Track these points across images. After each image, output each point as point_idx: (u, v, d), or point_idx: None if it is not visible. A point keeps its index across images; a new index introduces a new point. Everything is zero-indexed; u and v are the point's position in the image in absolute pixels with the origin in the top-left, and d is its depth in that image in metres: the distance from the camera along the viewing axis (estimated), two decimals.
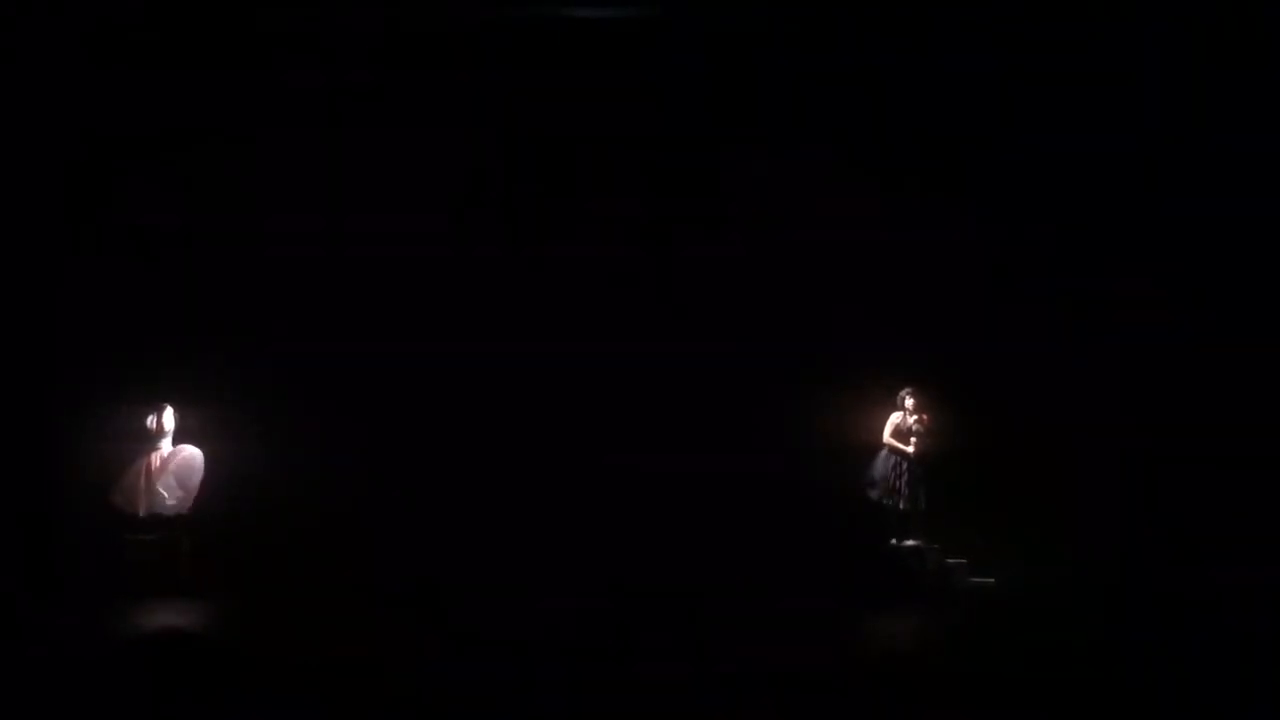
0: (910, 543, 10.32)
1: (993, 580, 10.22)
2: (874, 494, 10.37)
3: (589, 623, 8.15)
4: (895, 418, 10.38)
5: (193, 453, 9.69)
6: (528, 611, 8.43)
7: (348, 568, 9.86)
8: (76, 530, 9.26)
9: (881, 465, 10.39)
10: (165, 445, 9.71)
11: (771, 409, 10.32)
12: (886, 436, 10.38)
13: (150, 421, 9.67)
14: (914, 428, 10.32)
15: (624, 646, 7.49)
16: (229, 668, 4.89)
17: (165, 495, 9.59)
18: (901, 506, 10.33)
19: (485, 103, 9.65)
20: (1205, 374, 9.50)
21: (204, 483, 9.67)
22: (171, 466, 9.65)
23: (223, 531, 9.62)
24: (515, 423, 10.42)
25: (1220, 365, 9.45)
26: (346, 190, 10.34)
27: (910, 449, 10.32)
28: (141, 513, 9.59)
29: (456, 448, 10.29)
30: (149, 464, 9.64)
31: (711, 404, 10.45)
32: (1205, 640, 7.32)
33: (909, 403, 10.35)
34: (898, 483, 10.33)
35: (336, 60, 9.06)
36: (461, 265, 10.41)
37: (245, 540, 9.74)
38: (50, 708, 5.18)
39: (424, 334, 10.24)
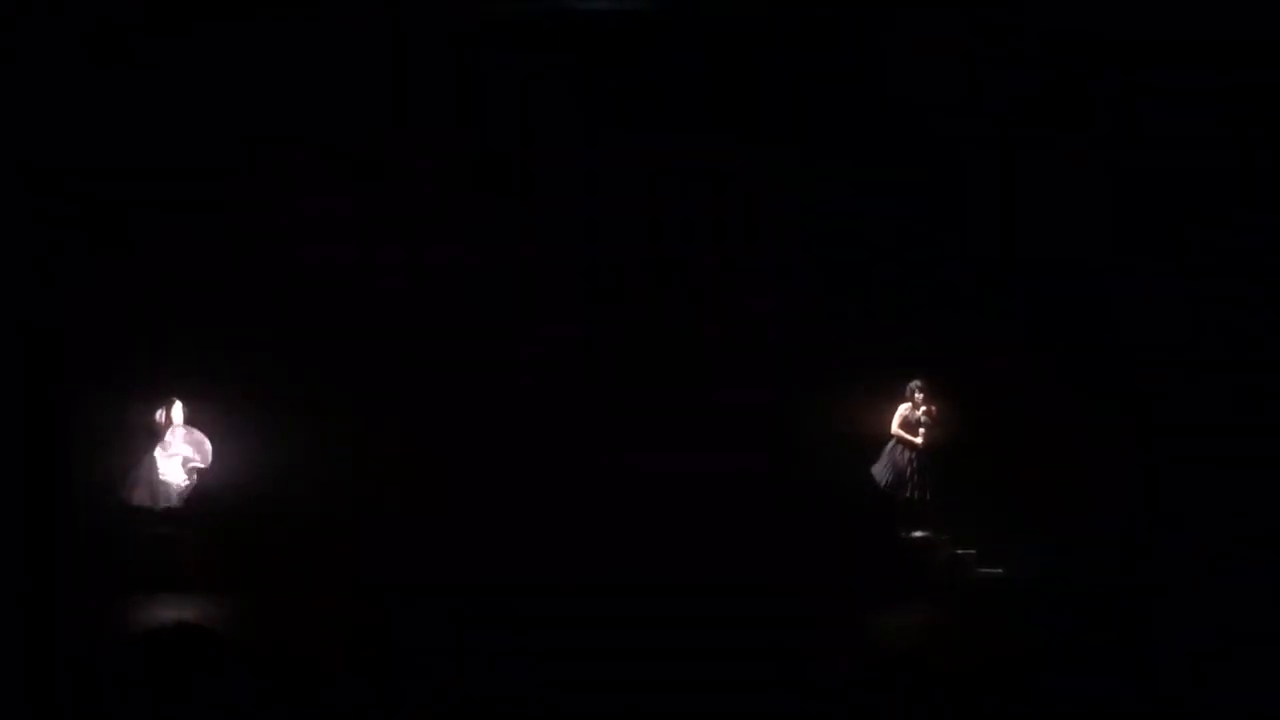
0: (919, 534, 10.32)
1: (1001, 571, 10.23)
2: (883, 486, 10.38)
3: (595, 623, 8.15)
4: (904, 409, 10.40)
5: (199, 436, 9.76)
6: (531, 611, 8.43)
7: (354, 564, 9.93)
8: (84, 525, 9.25)
9: (889, 457, 10.39)
10: (172, 438, 9.75)
11: (780, 403, 10.29)
12: (895, 428, 10.39)
13: (159, 415, 9.71)
14: (922, 419, 10.33)
15: (631, 647, 7.48)
16: (236, 663, 4.88)
17: (174, 478, 9.64)
18: (910, 497, 10.34)
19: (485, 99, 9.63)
20: (1212, 371, 9.44)
21: (212, 468, 9.73)
22: (183, 442, 9.70)
23: (230, 526, 9.63)
24: (521, 420, 10.42)
25: (1225, 362, 9.39)
26: (351, 188, 10.35)
27: (919, 440, 10.32)
28: (150, 506, 9.63)
29: (462, 444, 10.30)
30: (157, 458, 9.67)
31: (716, 400, 10.43)
32: (1207, 639, 7.28)
33: (917, 395, 10.36)
34: (906, 474, 10.34)
35: (333, 59, 9.07)
36: (462, 263, 10.40)
37: (253, 535, 9.75)
38: (57, 703, 5.18)
39: (427, 332, 10.25)
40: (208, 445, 9.72)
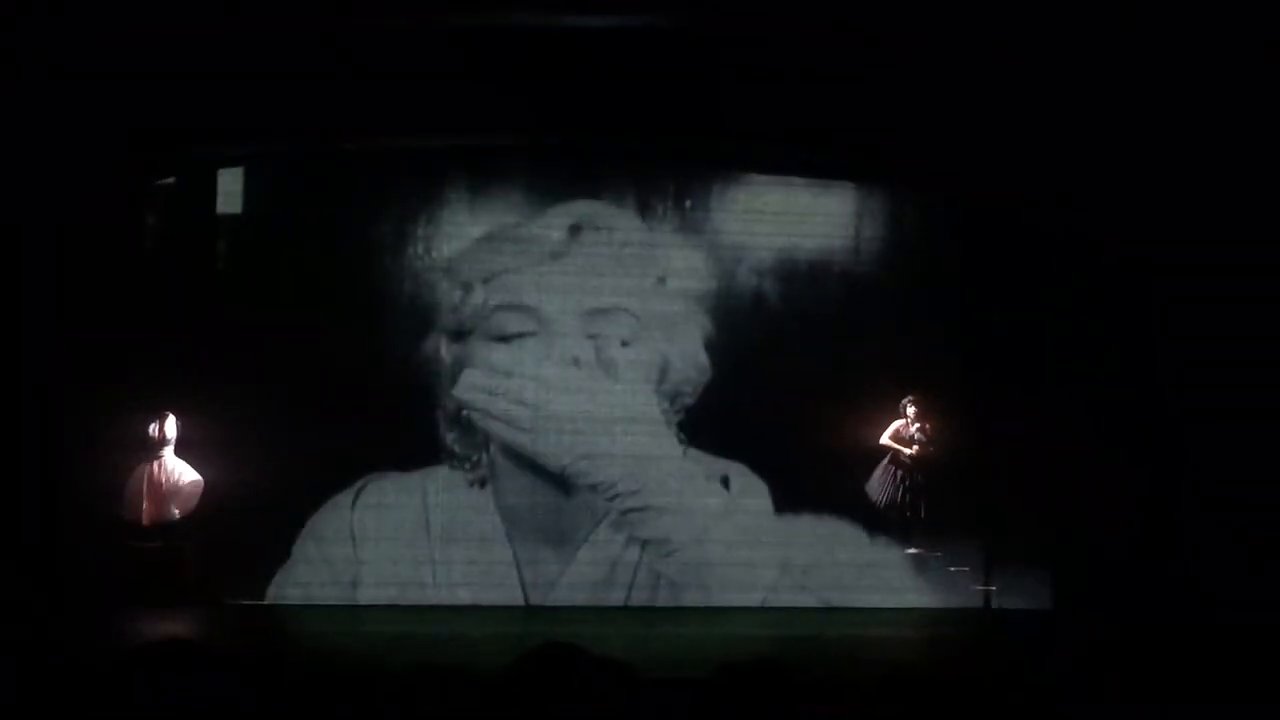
0: (911, 551, 10.33)
1: (994, 588, 10.25)
2: (876, 501, 10.38)
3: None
4: (897, 424, 10.38)
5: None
6: None
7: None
8: (79, 539, 9.22)
9: (882, 473, 10.39)
10: (167, 454, 9.71)
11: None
12: (885, 438, 10.35)
13: (152, 430, 9.67)
14: (915, 435, 10.33)
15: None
16: (229, 678, 4.85)
17: (165, 496, 9.61)
18: (903, 514, 10.34)
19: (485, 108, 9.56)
20: (1216, 383, 9.35)
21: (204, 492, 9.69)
22: (178, 485, 9.67)
23: (225, 539, 9.59)
24: None
25: (1227, 371, 9.31)
26: (347, 196, 10.32)
27: (907, 450, 10.30)
28: (144, 521, 9.59)
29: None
30: (151, 472, 9.63)
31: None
32: (1208, 661, 7.23)
33: (910, 410, 10.36)
34: (899, 490, 10.34)
35: (335, 66, 8.99)
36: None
37: (247, 548, 9.71)
38: (52, 716, 5.14)
39: (409, 339, 10.21)
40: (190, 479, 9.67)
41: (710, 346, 10.37)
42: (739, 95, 9.06)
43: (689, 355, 10.34)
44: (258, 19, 8.25)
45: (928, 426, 10.32)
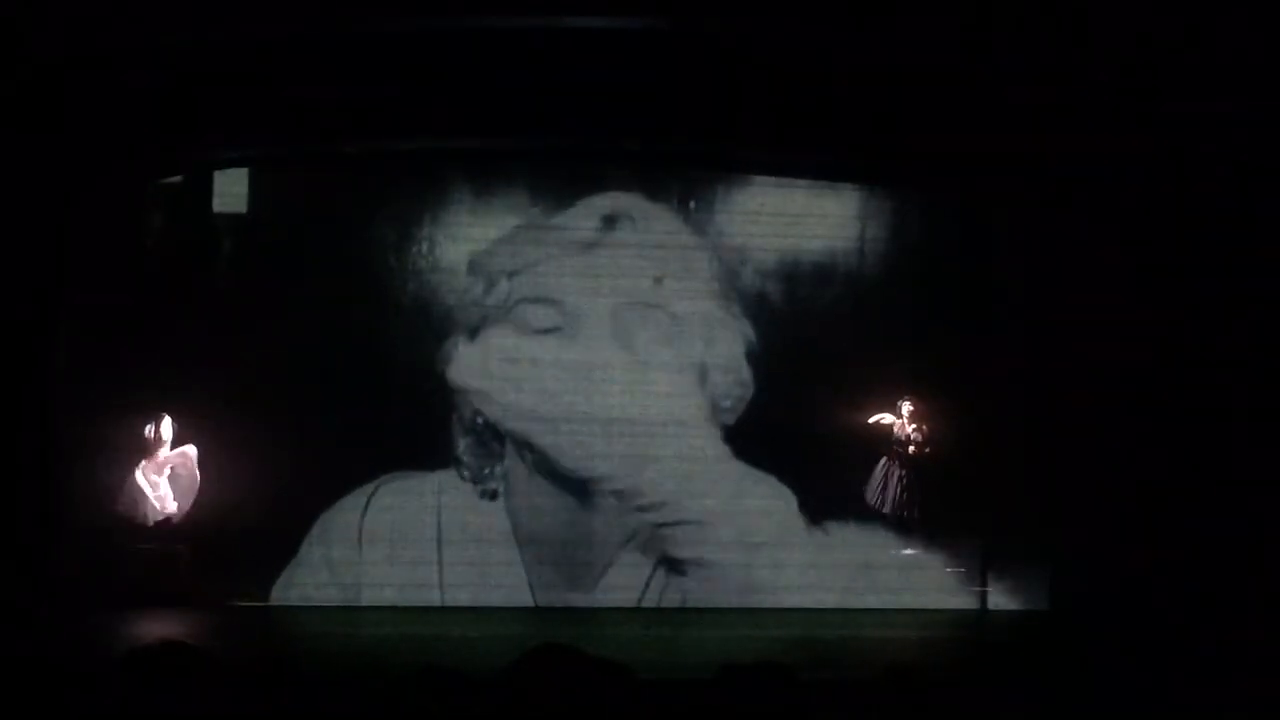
0: (908, 551, 10.33)
1: (989, 589, 10.26)
2: (873, 502, 10.37)
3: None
4: (895, 425, 10.37)
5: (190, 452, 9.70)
6: None
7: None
8: (75, 540, 9.21)
9: (879, 473, 10.38)
10: (163, 454, 9.69)
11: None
12: (875, 419, 10.30)
13: (149, 431, 9.65)
14: (912, 436, 10.32)
15: None
16: (227, 678, 4.85)
17: (164, 496, 9.58)
18: (899, 515, 10.34)
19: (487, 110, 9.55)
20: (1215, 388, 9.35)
21: (202, 485, 9.65)
22: (173, 464, 9.65)
23: (222, 541, 9.57)
24: None
25: (1227, 371, 9.31)
26: (355, 197, 10.31)
27: (893, 419, 10.29)
28: (141, 522, 9.58)
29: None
30: (148, 473, 9.62)
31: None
32: (1202, 666, 7.24)
33: (906, 410, 10.34)
34: (895, 491, 10.34)
35: (336, 71, 9.00)
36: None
37: (244, 550, 9.69)
38: (48, 718, 5.14)
39: (418, 341, 10.20)
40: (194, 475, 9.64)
41: (752, 357, 10.28)
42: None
43: (730, 366, 10.21)
44: (260, 20, 8.24)
45: (924, 428, 10.32)
